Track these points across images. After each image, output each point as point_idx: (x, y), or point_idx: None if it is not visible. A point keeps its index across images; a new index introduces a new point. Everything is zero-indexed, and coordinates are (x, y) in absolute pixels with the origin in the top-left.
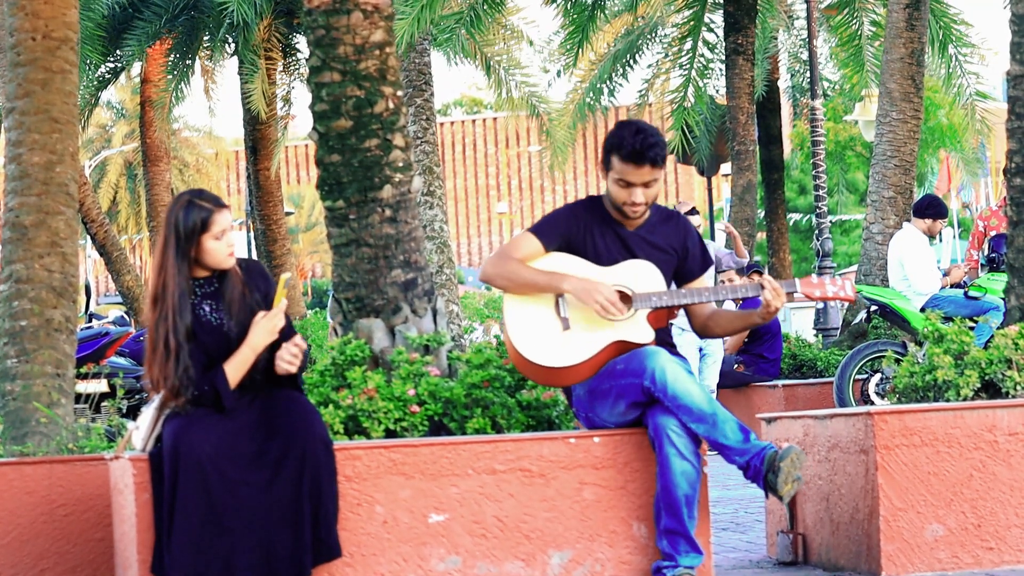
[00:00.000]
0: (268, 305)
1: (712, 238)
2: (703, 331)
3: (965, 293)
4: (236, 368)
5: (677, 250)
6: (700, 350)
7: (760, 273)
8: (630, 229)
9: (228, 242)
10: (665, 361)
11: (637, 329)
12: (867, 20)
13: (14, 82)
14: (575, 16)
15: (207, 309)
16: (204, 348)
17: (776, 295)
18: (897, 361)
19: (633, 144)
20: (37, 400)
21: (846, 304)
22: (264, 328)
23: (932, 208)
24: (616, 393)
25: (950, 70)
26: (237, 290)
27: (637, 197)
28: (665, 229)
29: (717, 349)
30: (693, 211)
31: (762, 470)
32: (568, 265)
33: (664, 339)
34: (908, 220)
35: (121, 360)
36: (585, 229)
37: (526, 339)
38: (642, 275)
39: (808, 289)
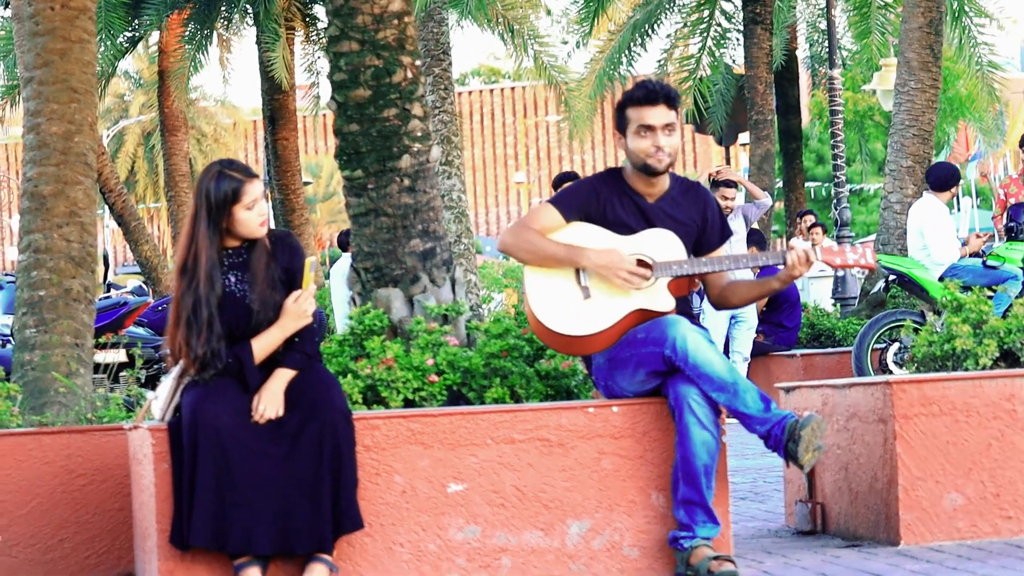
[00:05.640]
0: (291, 280)
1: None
2: (719, 302)
3: (983, 262)
4: (263, 348)
5: (697, 222)
6: (732, 316)
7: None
8: (650, 201)
9: (260, 211)
10: (686, 330)
11: (658, 297)
12: None
13: (32, 52)
14: None
15: (232, 280)
16: (225, 320)
17: (801, 261)
18: (915, 330)
19: (644, 86)
20: (56, 370)
21: (865, 273)
22: (295, 313)
23: (953, 180)
24: (636, 362)
25: (961, 41)
26: (263, 263)
27: (660, 140)
28: (684, 201)
29: (751, 315)
30: (729, 183)
31: (783, 439)
32: (589, 236)
33: (684, 310)
34: (927, 190)
35: (140, 330)
36: (605, 201)
37: (546, 308)
38: (662, 244)
39: (828, 257)
